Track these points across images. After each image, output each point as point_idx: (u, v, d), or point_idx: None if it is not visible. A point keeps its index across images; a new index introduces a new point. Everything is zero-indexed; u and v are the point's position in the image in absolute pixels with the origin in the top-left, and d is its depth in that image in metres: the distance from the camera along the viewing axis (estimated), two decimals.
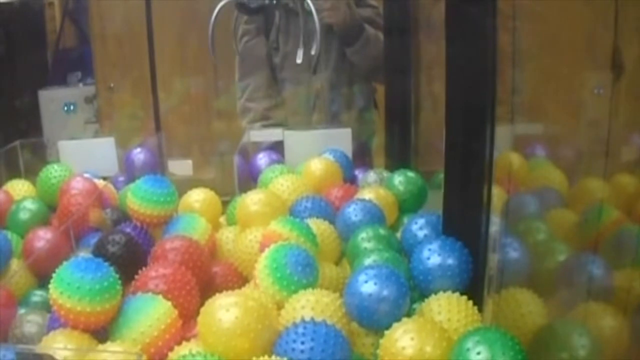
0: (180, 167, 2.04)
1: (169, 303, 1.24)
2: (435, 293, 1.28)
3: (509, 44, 1.22)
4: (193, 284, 1.33)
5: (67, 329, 1.20)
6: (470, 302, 1.25)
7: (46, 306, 1.39)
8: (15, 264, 1.60)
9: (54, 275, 1.20)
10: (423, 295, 1.32)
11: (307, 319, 1.15)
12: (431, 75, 2.09)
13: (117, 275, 1.23)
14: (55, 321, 1.26)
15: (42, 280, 1.53)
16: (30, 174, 1.99)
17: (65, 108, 3.33)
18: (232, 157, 1.89)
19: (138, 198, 1.59)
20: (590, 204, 1.16)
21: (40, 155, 2.14)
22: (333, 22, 2.35)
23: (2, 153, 2.07)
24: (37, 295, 1.52)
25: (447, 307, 1.22)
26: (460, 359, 1.05)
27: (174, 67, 3.03)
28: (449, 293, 1.27)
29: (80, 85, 3.51)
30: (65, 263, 1.21)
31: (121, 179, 2.06)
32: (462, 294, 1.27)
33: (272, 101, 2.53)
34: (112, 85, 3.41)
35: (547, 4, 1.17)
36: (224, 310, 1.13)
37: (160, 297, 1.24)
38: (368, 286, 1.22)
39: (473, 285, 1.33)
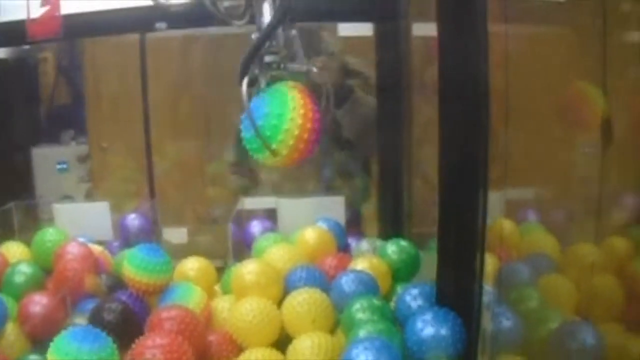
0: (176, 234, 2.06)
1: None
2: None
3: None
4: (189, 354, 1.33)
5: None
6: None
7: None
8: (10, 328, 1.60)
9: (51, 344, 1.20)
10: None
11: None
12: (424, 140, 2.11)
13: (115, 346, 1.24)
14: None
15: (37, 345, 1.53)
16: (24, 234, 1.99)
17: (58, 166, 3.32)
18: (226, 224, 1.90)
19: (134, 266, 1.60)
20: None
21: (34, 216, 2.15)
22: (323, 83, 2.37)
23: None
24: None
25: None
26: None
27: (167, 130, 3.04)
28: None
29: (73, 143, 3.50)
30: (63, 332, 1.22)
31: (116, 244, 2.06)
32: None
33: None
34: (105, 145, 3.40)
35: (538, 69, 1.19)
36: None
37: None
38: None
39: (467, 354, 1.33)
